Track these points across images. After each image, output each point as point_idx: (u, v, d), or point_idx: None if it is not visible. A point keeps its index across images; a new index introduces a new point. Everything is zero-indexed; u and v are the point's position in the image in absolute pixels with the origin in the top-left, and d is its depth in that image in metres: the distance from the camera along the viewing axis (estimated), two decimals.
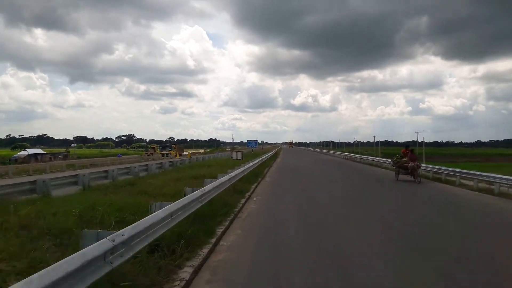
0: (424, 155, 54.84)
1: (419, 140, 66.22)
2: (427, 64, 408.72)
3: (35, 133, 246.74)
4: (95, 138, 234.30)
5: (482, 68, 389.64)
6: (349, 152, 75.26)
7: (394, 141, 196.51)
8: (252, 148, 55.70)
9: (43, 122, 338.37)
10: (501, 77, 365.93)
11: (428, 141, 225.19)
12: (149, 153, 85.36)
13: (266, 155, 40.14)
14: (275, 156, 56.79)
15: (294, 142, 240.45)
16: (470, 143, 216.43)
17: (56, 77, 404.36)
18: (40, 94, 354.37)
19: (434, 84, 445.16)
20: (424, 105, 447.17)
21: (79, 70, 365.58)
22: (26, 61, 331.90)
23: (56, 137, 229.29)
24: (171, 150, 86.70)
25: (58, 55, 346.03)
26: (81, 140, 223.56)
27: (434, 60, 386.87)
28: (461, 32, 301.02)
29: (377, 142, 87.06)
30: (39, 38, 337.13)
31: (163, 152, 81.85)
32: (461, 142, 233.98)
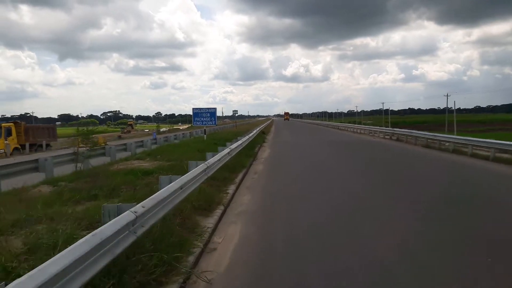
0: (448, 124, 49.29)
1: (449, 106, 59.19)
2: (420, 29, 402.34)
3: (28, 112, 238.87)
4: (80, 116, 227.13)
5: (477, 32, 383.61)
6: (348, 123, 70.09)
7: (384, 108, 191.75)
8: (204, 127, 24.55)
9: (33, 101, 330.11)
10: (496, 41, 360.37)
11: (424, 108, 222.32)
12: (125, 130, 78.92)
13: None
14: (255, 143, 23.40)
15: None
16: (468, 109, 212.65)
17: (44, 55, 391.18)
18: (29, 73, 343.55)
19: (427, 50, 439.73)
20: (417, 71, 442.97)
21: (67, 47, 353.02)
22: (13, 39, 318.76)
23: (40, 116, 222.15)
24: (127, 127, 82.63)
25: (46, 32, 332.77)
26: (66, 118, 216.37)
27: (428, 25, 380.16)
28: None
29: (386, 110, 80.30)
30: (25, 15, 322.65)
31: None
32: (459, 109, 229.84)
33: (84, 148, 12.93)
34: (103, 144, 30.14)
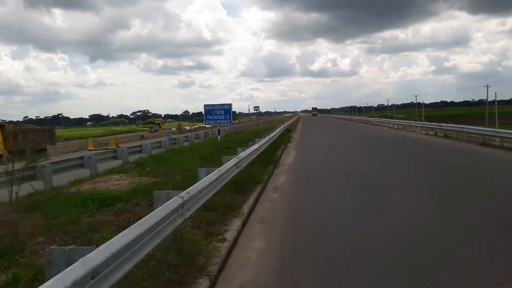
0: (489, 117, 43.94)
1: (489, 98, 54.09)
2: (451, 20, 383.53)
3: (65, 113, 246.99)
4: (110, 116, 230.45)
5: None
6: (380, 117, 64.47)
7: (415, 102, 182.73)
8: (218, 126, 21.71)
9: (67, 103, 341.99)
10: None
11: (457, 101, 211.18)
12: (153, 129, 77.12)
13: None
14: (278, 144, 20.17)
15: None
16: (506, 101, 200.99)
17: (76, 57, 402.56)
18: (62, 75, 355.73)
19: (459, 41, 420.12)
20: (448, 63, 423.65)
21: (98, 48, 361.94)
22: (47, 43, 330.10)
23: (71, 117, 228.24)
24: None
25: (77, 34, 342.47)
26: (97, 118, 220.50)
27: (459, 15, 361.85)
28: None
29: (419, 103, 74.30)
30: (58, 19, 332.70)
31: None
32: (494, 101, 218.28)
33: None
34: (115, 147, 27.34)
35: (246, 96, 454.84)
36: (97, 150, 24.93)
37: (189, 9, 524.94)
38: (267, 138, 16.74)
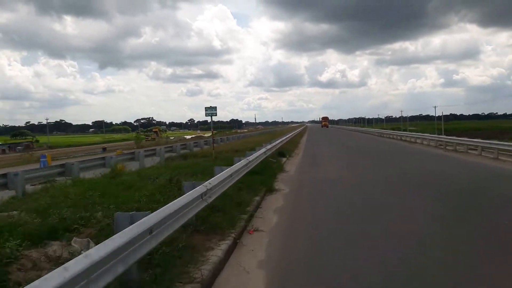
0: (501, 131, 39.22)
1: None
2: (462, 33, 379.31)
3: (68, 119, 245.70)
4: (114, 123, 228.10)
5: None
6: (392, 129, 58.98)
7: (423, 114, 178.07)
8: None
9: (75, 109, 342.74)
10: None
11: (467, 114, 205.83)
12: (150, 138, 73.63)
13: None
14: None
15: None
16: None
17: (85, 64, 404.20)
18: (71, 81, 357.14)
19: (469, 53, 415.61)
20: (457, 76, 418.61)
21: (107, 55, 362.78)
22: (57, 49, 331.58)
23: (75, 123, 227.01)
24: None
25: (87, 41, 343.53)
26: (100, 125, 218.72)
27: (470, 28, 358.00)
28: None
29: (447, 115, 68.77)
30: (68, 26, 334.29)
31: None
32: (505, 114, 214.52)
33: None
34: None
35: (254, 105, 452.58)
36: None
37: (199, 18, 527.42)
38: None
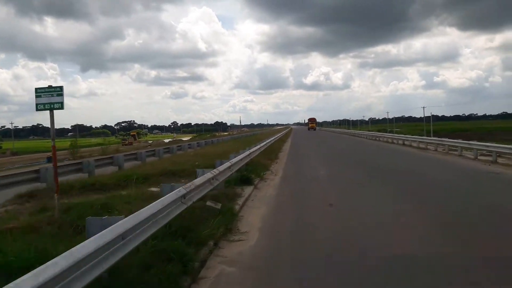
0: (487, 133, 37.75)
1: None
2: (442, 36, 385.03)
3: (46, 123, 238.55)
4: (93, 126, 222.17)
5: (499, 37, 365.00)
6: (378, 131, 55.27)
7: (406, 116, 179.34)
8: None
9: (56, 112, 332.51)
10: None
11: (448, 115, 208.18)
12: (126, 142, 70.20)
13: None
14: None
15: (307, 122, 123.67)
16: (495, 115, 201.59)
17: (67, 66, 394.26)
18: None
19: (449, 56, 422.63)
20: (438, 78, 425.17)
21: (90, 58, 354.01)
22: (37, 51, 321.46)
23: (55, 127, 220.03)
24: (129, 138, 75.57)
25: (69, 43, 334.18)
26: (80, 129, 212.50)
27: (450, 31, 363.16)
28: (479, 0, 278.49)
29: (429, 117, 66.23)
30: (49, 27, 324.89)
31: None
32: (485, 115, 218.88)
33: None
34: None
35: (240, 108, 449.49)
36: None
37: (184, 20, 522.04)
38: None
